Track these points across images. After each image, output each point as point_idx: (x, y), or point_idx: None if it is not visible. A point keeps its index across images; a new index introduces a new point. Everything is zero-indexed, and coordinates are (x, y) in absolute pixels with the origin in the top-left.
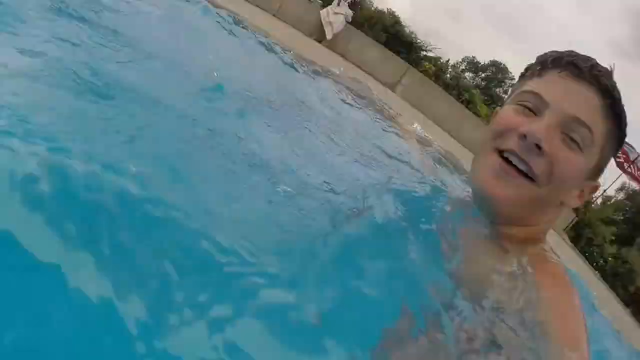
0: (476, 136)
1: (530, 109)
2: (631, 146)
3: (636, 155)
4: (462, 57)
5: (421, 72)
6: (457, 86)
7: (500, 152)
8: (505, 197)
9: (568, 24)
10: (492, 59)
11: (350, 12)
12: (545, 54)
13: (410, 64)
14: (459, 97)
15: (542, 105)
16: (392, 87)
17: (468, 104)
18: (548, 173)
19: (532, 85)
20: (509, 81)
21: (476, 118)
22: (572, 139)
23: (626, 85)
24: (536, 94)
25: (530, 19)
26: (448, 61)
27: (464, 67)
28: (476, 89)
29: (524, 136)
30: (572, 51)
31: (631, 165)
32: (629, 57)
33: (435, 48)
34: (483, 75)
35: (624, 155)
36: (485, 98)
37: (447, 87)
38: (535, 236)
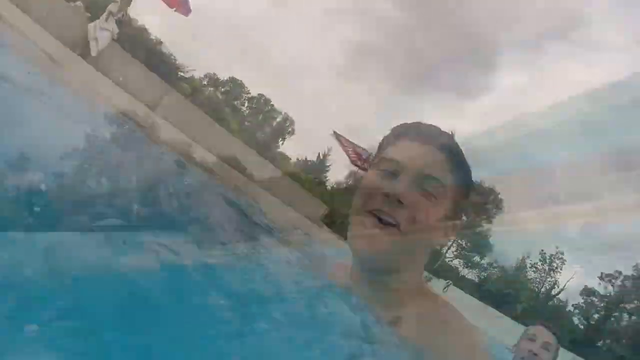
0: (229, 150)
1: (390, 172)
2: (364, 149)
3: (367, 154)
4: (204, 73)
5: (179, 92)
6: (209, 105)
7: (371, 212)
8: (383, 248)
9: (301, 48)
10: (230, 75)
11: (116, 29)
12: (398, 126)
13: (168, 84)
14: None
15: (399, 168)
16: (153, 107)
17: (222, 122)
18: (411, 220)
19: (389, 152)
20: (245, 95)
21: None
22: (427, 191)
23: (344, 98)
24: (393, 160)
25: (267, 43)
26: (205, 83)
27: (205, 83)
28: (230, 108)
29: (387, 195)
30: (419, 122)
31: (363, 162)
32: (345, 76)
33: (191, 70)
34: (222, 89)
35: (356, 155)
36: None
37: (202, 106)
38: (416, 277)
